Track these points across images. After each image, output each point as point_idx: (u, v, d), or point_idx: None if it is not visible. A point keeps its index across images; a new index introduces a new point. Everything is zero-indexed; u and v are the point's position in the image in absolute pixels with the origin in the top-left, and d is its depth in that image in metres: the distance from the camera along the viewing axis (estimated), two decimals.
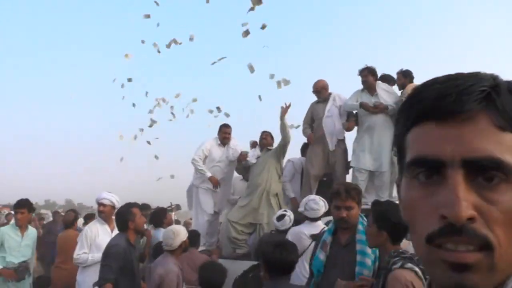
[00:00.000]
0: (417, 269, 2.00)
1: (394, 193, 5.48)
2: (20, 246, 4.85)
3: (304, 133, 6.00)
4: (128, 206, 3.83)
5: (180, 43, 8.03)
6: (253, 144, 6.47)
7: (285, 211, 4.63)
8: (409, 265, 2.02)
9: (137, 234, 3.94)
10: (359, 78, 5.57)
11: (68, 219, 6.24)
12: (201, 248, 5.38)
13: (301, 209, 4.29)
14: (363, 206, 4.79)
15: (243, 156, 5.91)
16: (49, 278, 5.82)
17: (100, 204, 4.48)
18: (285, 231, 4.35)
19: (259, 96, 8.48)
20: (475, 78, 0.54)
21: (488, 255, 0.49)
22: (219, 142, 6.07)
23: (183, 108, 9.19)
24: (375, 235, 2.26)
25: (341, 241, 2.64)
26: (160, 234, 4.72)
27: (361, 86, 5.63)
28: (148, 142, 9.14)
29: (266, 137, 5.88)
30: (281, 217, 4.48)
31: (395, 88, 5.96)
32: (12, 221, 5.12)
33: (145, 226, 6.12)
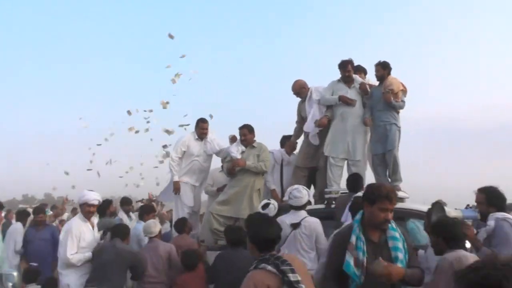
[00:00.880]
0: None
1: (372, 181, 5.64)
2: None
3: (296, 133, 6.16)
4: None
5: None
6: (233, 139, 6.47)
7: (269, 200, 4.74)
8: None
9: None
10: (331, 68, 5.65)
11: None
12: None
13: (285, 198, 4.50)
14: (339, 194, 4.97)
15: (235, 163, 5.59)
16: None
17: (91, 205, 4.54)
18: None
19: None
20: None
21: None
22: (196, 136, 6.08)
23: None
24: None
25: (373, 239, 2.72)
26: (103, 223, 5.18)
27: (336, 77, 5.72)
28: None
29: (244, 135, 5.73)
30: (266, 206, 4.59)
31: (370, 79, 6.04)
32: None
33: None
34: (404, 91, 5.38)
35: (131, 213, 6.82)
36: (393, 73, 5.47)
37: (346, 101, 5.50)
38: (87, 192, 4.59)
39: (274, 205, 4.56)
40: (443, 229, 2.90)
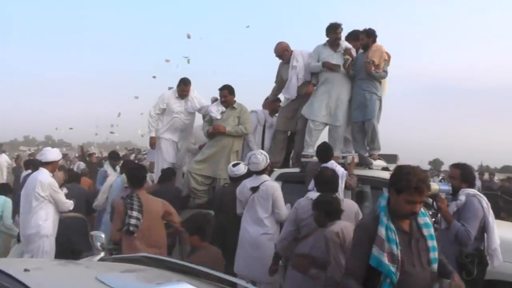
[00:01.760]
0: None
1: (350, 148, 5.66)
2: None
3: (274, 92, 6.12)
4: None
5: None
6: (215, 100, 6.45)
7: (240, 161, 4.97)
8: None
9: None
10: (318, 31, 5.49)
11: None
12: None
13: (245, 163, 4.65)
14: (312, 159, 5.04)
15: (216, 127, 5.63)
16: None
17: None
18: (239, 179, 4.64)
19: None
20: None
21: None
22: (177, 95, 6.06)
23: None
24: None
25: (404, 228, 2.44)
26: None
27: (323, 41, 5.59)
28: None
29: (225, 97, 5.72)
30: (236, 164, 4.82)
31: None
32: None
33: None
34: (388, 60, 5.27)
35: (117, 167, 7.26)
36: (379, 41, 5.33)
37: (329, 67, 5.42)
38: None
39: (244, 165, 4.76)
40: (324, 204, 3.30)
